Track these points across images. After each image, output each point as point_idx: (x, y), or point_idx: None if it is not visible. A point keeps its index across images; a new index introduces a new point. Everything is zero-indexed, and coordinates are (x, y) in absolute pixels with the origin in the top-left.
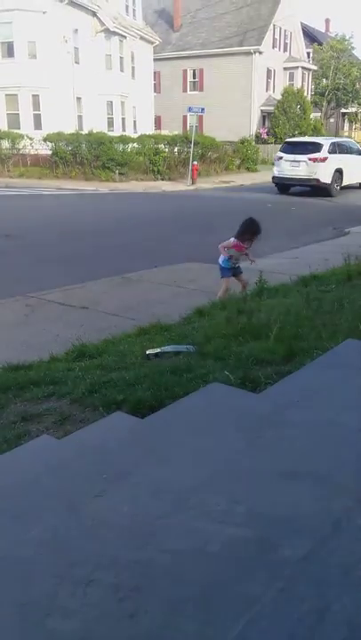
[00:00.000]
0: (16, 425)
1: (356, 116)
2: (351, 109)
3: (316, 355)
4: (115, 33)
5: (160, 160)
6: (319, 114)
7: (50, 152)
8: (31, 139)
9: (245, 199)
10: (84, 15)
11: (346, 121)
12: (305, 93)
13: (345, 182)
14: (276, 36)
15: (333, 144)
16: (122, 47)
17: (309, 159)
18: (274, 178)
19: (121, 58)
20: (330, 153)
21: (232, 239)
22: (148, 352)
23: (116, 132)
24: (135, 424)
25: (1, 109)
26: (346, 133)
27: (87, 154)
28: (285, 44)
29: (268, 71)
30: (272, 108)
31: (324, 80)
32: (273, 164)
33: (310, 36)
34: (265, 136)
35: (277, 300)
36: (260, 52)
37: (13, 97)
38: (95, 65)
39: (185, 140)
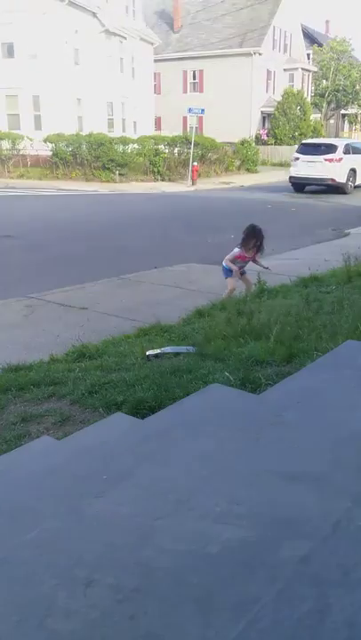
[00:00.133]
0: (16, 426)
1: (356, 117)
2: (351, 111)
3: (317, 356)
4: (115, 34)
5: (160, 161)
6: (319, 115)
7: (50, 153)
8: (31, 139)
9: (245, 200)
10: (84, 16)
11: (346, 122)
12: (305, 95)
13: (358, 181)
14: (276, 38)
15: (347, 145)
16: (122, 48)
17: (325, 159)
18: (291, 177)
19: (121, 59)
20: (344, 154)
21: (236, 249)
22: (148, 353)
23: (117, 132)
24: (135, 425)
25: (1, 110)
26: (346, 134)
27: (87, 155)
28: (285, 46)
29: (268, 72)
30: (272, 110)
31: (324, 81)
32: (273, 165)
33: (310, 38)
34: (265, 137)
35: (277, 301)
36: (260, 54)
37: (14, 98)
38: (95, 66)
39: (185, 140)
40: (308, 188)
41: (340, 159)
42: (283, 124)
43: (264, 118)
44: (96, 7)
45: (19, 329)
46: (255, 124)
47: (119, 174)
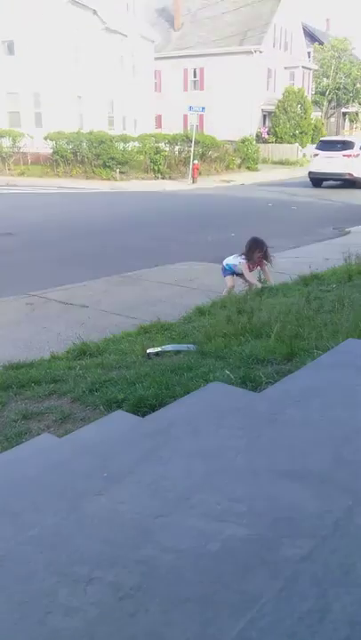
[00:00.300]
0: (17, 423)
1: (357, 115)
2: (352, 109)
3: (317, 354)
4: (115, 32)
5: (161, 159)
6: (320, 113)
7: (51, 151)
8: (32, 137)
9: (246, 198)
10: (85, 13)
11: (347, 120)
12: (306, 93)
13: None
14: (277, 36)
15: None
16: (122, 46)
17: (343, 155)
18: (310, 173)
19: (121, 57)
20: None
21: (242, 260)
22: (148, 351)
23: (117, 130)
24: (136, 423)
25: (2, 108)
26: (347, 133)
27: (88, 152)
28: (286, 44)
29: (269, 70)
30: (273, 108)
31: (324, 79)
32: (273, 164)
33: (311, 36)
34: (265, 135)
35: (278, 300)
36: (261, 52)
37: (14, 95)
38: (96, 63)
39: (185, 138)
40: (325, 183)
41: (358, 155)
42: (283, 123)
43: (265, 116)
44: (96, 5)
45: (20, 327)
46: (256, 122)
47: (120, 172)
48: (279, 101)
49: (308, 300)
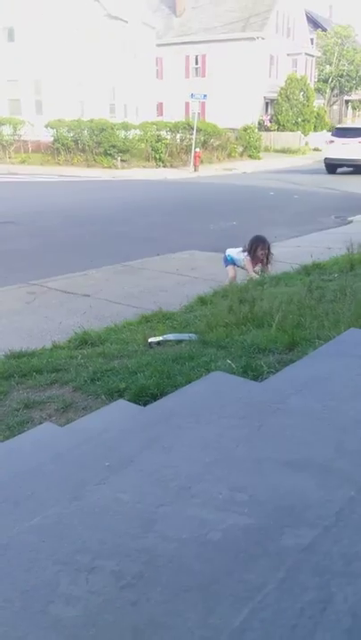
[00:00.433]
0: (19, 412)
1: (360, 103)
2: (355, 97)
3: (319, 344)
4: (116, 18)
5: (162, 147)
6: (322, 101)
7: (51, 139)
8: (32, 125)
9: (248, 187)
10: (86, 0)
11: (349, 108)
12: (308, 80)
13: None
14: (280, 22)
15: None
16: (124, 32)
17: (359, 142)
18: (326, 159)
19: (123, 43)
20: None
21: (246, 257)
22: (150, 340)
23: (118, 118)
24: (137, 412)
25: (2, 95)
26: (349, 120)
27: (89, 140)
28: (288, 30)
29: (271, 57)
30: (275, 95)
31: (327, 66)
32: (276, 152)
33: (314, 22)
34: (268, 123)
35: (279, 289)
36: (263, 39)
37: (14, 82)
38: (97, 50)
39: (187, 126)
40: (339, 170)
41: None
42: (286, 110)
43: (267, 104)
44: None
45: (21, 316)
46: (258, 109)
47: (121, 160)
48: (282, 89)
49: (309, 289)
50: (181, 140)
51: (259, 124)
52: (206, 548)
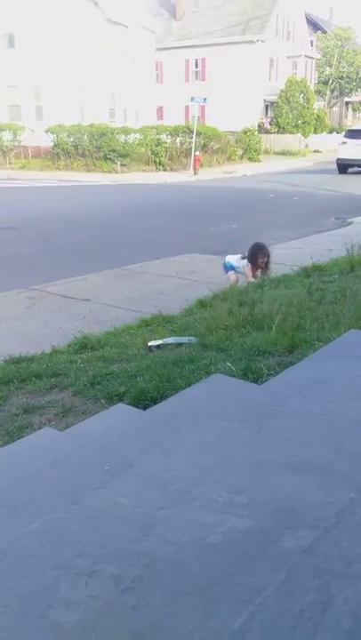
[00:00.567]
0: (18, 417)
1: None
2: (355, 98)
3: (319, 346)
4: (116, 23)
5: (162, 151)
6: (323, 103)
7: (51, 144)
8: (33, 130)
9: (248, 189)
10: (86, 5)
11: (350, 109)
12: (308, 82)
13: None
14: (280, 25)
15: None
16: (123, 37)
17: None
18: (338, 159)
19: (123, 48)
20: None
21: (246, 264)
22: (150, 344)
23: (118, 122)
24: (137, 416)
25: (2, 101)
26: (350, 122)
27: (89, 145)
28: (288, 33)
29: (271, 60)
30: (275, 98)
31: (327, 68)
32: (276, 154)
33: (314, 24)
34: (268, 126)
35: (279, 291)
36: (263, 41)
37: (15, 88)
38: (97, 55)
39: (187, 130)
40: (350, 170)
41: None
42: (286, 113)
43: (267, 107)
44: None
45: (20, 320)
46: (258, 112)
47: (121, 164)
48: (282, 91)
49: (309, 291)
50: (181, 144)
51: (259, 126)
52: (206, 551)
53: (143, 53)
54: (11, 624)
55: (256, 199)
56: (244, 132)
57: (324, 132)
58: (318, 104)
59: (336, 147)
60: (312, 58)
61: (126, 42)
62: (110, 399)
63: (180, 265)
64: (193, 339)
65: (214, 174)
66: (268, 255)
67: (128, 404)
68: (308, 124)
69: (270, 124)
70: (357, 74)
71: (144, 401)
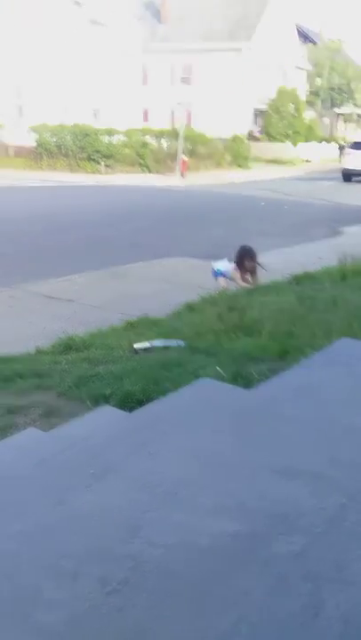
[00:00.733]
0: (2, 417)
1: (352, 116)
2: (346, 110)
3: (310, 353)
4: (100, 24)
5: (147, 153)
6: (313, 113)
7: (34, 143)
8: (14, 130)
9: (237, 196)
10: (69, 5)
11: (341, 121)
12: (298, 93)
13: None
14: (269, 34)
15: None
16: (108, 38)
17: None
18: (344, 169)
19: (107, 49)
20: None
21: (234, 268)
22: (136, 346)
23: (103, 123)
24: (123, 418)
25: None
26: (341, 132)
27: (72, 145)
28: (279, 43)
29: (261, 69)
30: (265, 107)
31: (318, 79)
32: (266, 162)
33: (305, 36)
34: (257, 134)
35: (270, 298)
36: (251, 49)
37: None
38: (80, 56)
39: (174, 133)
40: (354, 179)
41: None
42: (276, 122)
43: (256, 115)
44: None
45: (4, 320)
46: (247, 120)
47: (105, 165)
48: (272, 101)
49: (300, 298)
50: (168, 148)
51: (249, 134)
52: (194, 553)
53: (127, 55)
54: None
55: (246, 206)
56: (233, 140)
57: (315, 142)
58: (309, 114)
59: (328, 156)
60: (303, 69)
61: (111, 43)
62: (96, 401)
63: (166, 268)
64: (181, 342)
65: (202, 180)
66: (255, 258)
67: (114, 406)
68: (299, 133)
69: (260, 133)
70: (348, 85)
71: (130, 403)
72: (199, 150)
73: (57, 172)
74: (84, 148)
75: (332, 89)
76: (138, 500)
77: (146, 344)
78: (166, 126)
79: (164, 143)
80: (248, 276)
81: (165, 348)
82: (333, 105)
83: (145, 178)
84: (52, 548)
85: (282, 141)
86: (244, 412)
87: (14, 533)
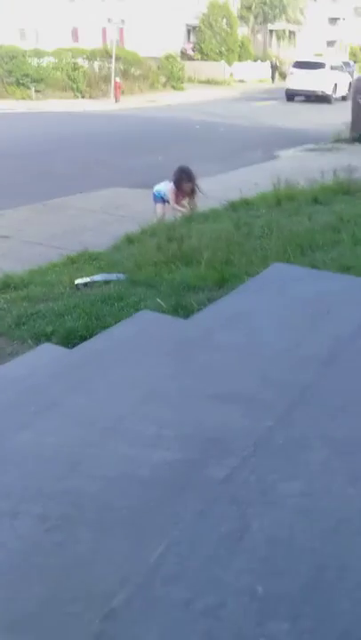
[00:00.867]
0: None
1: (285, 32)
2: (279, 26)
3: (247, 280)
4: None
5: (79, 76)
6: (246, 29)
7: None
8: None
9: (172, 119)
10: None
11: (273, 37)
12: (231, 7)
13: (338, 94)
14: None
15: (331, 64)
16: None
17: (316, 75)
18: (287, 90)
19: None
20: (331, 70)
21: (171, 187)
22: (77, 282)
23: (30, 44)
24: (64, 355)
25: None
26: (274, 51)
27: None
28: None
29: None
30: (197, 22)
31: None
32: (200, 83)
33: None
34: (191, 52)
35: (208, 226)
36: None
37: None
38: None
39: (105, 54)
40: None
41: (327, 75)
42: (209, 38)
43: (189, 31)
44: None
45: None
46: (180, 37)
47: (35, 91)
48: (204, 15)
49: (237, 225)
50: (100, 70)
51: (181, 52)
52: (134, 484)
53: None
54: None
55: (181, 130)
56: (167, 58)
57: (249, 61)
58: (242, 30)
59: (262, 76)
60: None
61: None
62: (38, 339)
63: (105, 199)
64: (121, 276)
65: (137, 103)
66: (194, 179)
67: (57, 343)
68: (233, 51)
69: (193, 51)
70: (281, 0)
71: (73, 340)
72: (132, 71)
73: None
74: (11, 72)
75: (265, 3)
76: (77, 436)
77: (86, 279)
78: (98, 45)
79: (96, 65)
80: (185, 201)
81: (106, 282)
82: (266, 20)
83: (78, 103)
84: None
85: (216, 60)
86: (182, 342)
87: None
